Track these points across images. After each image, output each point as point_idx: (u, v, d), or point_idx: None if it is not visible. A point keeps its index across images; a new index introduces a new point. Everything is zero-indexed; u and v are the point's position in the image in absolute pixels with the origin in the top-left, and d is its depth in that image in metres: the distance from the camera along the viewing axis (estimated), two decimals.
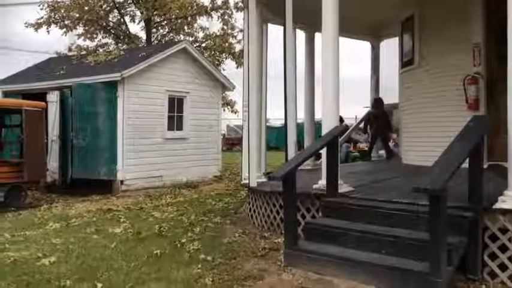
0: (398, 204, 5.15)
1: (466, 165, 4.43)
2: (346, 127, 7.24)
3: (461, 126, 4.83)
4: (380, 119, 10.65)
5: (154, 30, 19.59)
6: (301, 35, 9.50)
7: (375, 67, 11.10)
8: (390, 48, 11.44)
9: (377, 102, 10.92)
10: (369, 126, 11.65)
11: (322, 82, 6.08)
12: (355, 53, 15.14)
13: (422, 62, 8.74)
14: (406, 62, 9.39)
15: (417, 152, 8.76)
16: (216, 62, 18.86)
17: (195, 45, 17.20)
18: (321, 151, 5.98)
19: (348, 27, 7.19)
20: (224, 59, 19.51)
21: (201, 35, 20.06)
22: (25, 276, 4.84)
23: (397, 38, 10.42)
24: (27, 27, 18.23)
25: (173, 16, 18.91)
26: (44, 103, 10.75)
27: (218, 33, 19.32)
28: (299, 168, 5.24)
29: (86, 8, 17.51)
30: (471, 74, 7.52)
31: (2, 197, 9.24)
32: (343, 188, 5.79)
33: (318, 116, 9.98)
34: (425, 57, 8.64)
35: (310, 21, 8.81)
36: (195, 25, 20.08)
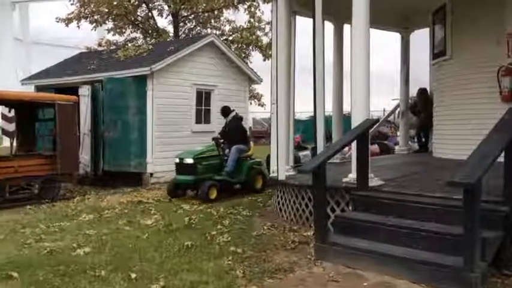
0: (431, 198, 5.09)
1: (501, 159, 4.34)
2: (377, 120, 7.13)
3: (495, 118, 4.73)
4: (427, 110, 10.41)
5: (181, 24, 19.71)
6: (328, 26, 9.42)
7: (404, 59, 10.90)
8: (420, 39, 11.25)
9: (422, 92, 10.75)
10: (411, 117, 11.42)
11: (351, 74, 6.04)
12: (382, 44, 14.93)
13: (454, 53, 8.55)
14: (437, 54, 9.21)
15: (449, 145, 8.60)
16: (243, 55, 18.87)
17: (222, 39, 17.24)
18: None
19: (377, 18, 7.08)
20: (251, 52, 19.51)
21: (227, 28, 20.12)
22: (61, 266, 4.98)
23: (427, 29, 10.25)
24: (58, 22, 18.64)
25: (200, 10, 18.99)
26: (75, 97, 10.96)
27: (245, 26, 19.31)
28: (328, 161, 5.23)
29: (115, 2, 17.75)
30: (505, 64, 7.32)
31: (37, 189, 9.50)
32: (374, 181, 5.75)
33: (346, 108, 9.94)
34: (458, 48, 8.45)
35: (339, 13, 8.72)
36: (222, 18, 20.13)
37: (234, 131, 10.03)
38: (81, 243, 5.95)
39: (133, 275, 4.62)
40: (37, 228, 6.87)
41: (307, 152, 11.64)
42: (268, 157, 11.13)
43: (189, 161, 9.30)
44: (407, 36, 10.88)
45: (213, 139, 9.90)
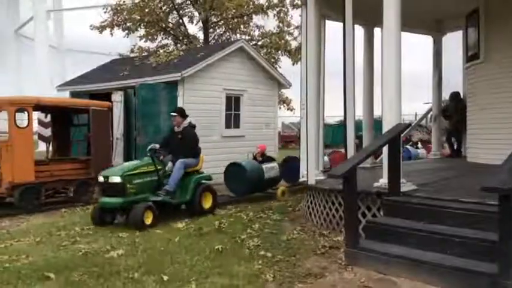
0: (465, 204, 5.00)
1: None
2: (409, 124, 7.03)
3: None
4: (459, 115, 10.21)
5: (211, 30, 19.90)
6: (358, 30, 9.37)
7: (437, 62, 10.74)
8: (452, 42, 11.06)
9: (455, 96, 10.56)
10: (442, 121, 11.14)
11: (383, 78, 6.00)
12: (413, 47, 14.69)
13: (488, 56, 8.38)
14: (471, 57, 9.04)
15: (483, 149, 8.42)
16: (272, 60, 18.91)
17: (251, 44, 17.34)
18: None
19: (408, 22, 7.02)
20: (280, 57, 19.52)
21: (256, 33, 20.21)
22: (95, 268, 5.09)
23: (460, 32, 10.08)
24: (92, 29, 19.10)
25: (230, 15, 19.16)
26: (109, 103, 11.22)
27: (274, 31, 19.36)
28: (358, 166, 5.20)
29: (147, 10, 18.07)
30: None
31: (72, 192, 9.75)
32: (406, 186, 5.68)
33: (376, 112, 9.84)
34: (491, 51, 8.29)
35: (369, 17, 8.67)
36: (251, 24, 20.24)
37: (189, 141, 8.26)
38: (115, 245, 6.07)
39: (165, 278, 4.68)
40: (72, 230, 7.03)
41: (274, 164, 10.38)
42: (285, 161, 10.80)
43: (116, 179, 7.36)
44: (439, 39, 10.71)
45: (150, 150, 7.86)
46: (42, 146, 14.78)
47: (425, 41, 11.01)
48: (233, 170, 9.97)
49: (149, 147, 7.96)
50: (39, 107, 10.07)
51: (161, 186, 7.79)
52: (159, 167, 7.83)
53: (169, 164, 8.03)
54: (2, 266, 5.21)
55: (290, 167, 10.42)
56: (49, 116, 11.91)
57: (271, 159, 10.60)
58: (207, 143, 12.48)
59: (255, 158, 10.39)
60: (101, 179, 7.63)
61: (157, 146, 7.96)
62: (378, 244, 4.98)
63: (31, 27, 32.86)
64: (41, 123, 13.35)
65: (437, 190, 5.81)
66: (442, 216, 4.95)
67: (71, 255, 5.65)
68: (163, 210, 7.68)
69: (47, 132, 12.99)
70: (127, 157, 12.11)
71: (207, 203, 8.33)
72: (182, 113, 8.49)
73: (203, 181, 8.39)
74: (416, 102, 46.33)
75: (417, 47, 16.52)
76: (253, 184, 9.73)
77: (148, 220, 7.18)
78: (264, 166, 10.06)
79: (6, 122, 9.03)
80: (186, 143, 8.21)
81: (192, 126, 8.51)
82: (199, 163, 8.44)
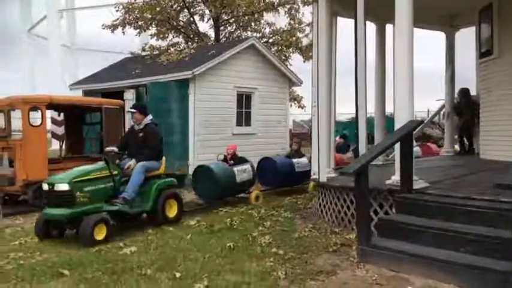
0: (477, 201, 4.97)
1: None
2: (421, 121, 6.95)
3: None
4: (470, 111, 10.10)
5: (222, 28, 19.91)
6: (370, 27, 9.32)
7: (449, 58, 10.64)
8: (465, 37, 10.95)
9: (465, 93, 10.43)
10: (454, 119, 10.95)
11: (395, 75, 5.97)
12: (425, 43, 14.54)
13: (501, 52, 8.29)
14: (484, 53, 8.95)
15: (496, 146, 8.34)
16: (283, 57, 18.88)
17: (262, 41, 17.32)
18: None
19: (421, 17, 6.96)
20: (291, 54, 19.48)
21: (267, 30, 20.18)
22: (109, 264, 5.15)
23: (473, 28, 9.97)
24: (104, 28, 19.22)
25: (240, 13, 19.15)
26: (121, 101, 11.30)
27: (285, 28, 19.32)
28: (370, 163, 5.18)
29: (158, 8, 18.14)
30: None
31: None
32: (418, 184, 5.65)
33: (388, 109, 9.78)
34: (505, 46, 8.19)
35: (381, 13, 8.62)
36: (262, 21, 20.21)
37: (151, 140, 7.26)
38: (128, 242, 6.13)
39: (177, 274, 4.72)
40: None
41: (247, 166, 9.38)
42: (260, 163, 10.13)
43: (63, 186, 6.29)
44: (452, 35, 10.61)
45: (106, 153, 7.03)
46: (55, 144, 14.92)
47: (438, 37, 10.88)
48: (201, 173, 9.05)
49: (107, 149, 7.18)
50: (53, 105, 10.18)
51: (118, 193, 6.79)
52: (114, 172, 6.80)
53: (132, 161, 7.01)
54: (16, 263, 5.29)
55: (266, 168, 10.11)
56: (62, 114, 12.02)
57: (244, 161, 9.56)
58: (217, 140, 12.56)
59: (225, 159, 9.61)
60: (45, 186, 6.50)
61: (115, 148, 7.08)
62: (390, 241, 4.96)
63: (44, 27, 33.16)
64: (54, 121, 13.45)
65: (449, 187, 5.77)
66: (454, 213, 4.92)
67: (84, 252, 5.71)
68: (122, 220, 6.89)
69: (60, 130, 13.10)
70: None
71: (172, 212, 7.37)
72: (142, 109, 7.48)
73: (167, 187, 7.39)
74: (429, 99, 45.97)
75: (429, 42, 16.39)
76: (223, 188, 8.73)
77: (101, 235, 6.16)
78: (236, 169, 9.10)
79: (20, 121, 9.14)
80: (147, 143, 7.21)
81: (155, 124, 7.50)
82: (162, 166, 7.47)
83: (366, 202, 5.14)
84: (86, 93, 14.65)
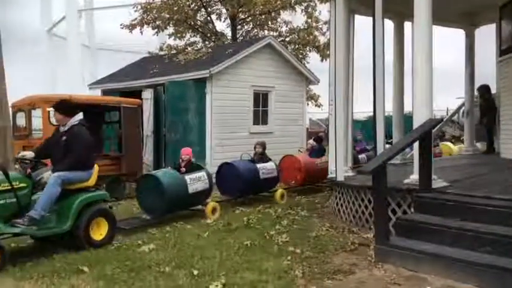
0: (497, 201, 4.91)
1: None
2: (440, 120, 6.86)
3: None
4: (492, 108, 9.93)
5: (239, 26, 19.98)
6: (388, 24, 9.23)
7: (469, 56, 10.49)
8: (485, 35, 10.78)
9: (489, 89, 10.22)
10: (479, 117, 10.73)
11: (413, 73, 5.91)
12: (443, 39, 14.33)
13: None
14: (504, 50, 8.80)
15: None
16: (300, 56, 18.85)
17: (279, 40, 17.31)
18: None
19: (440, 15, 6.89)
20: (308, 52, 19.44)
21: (284, 29, 20.17)
22: (127, 262, 5.21)
23: (493, 25, 9.82)
24: (122, 28, 19.44)
25: (257, 12, 19.18)
26: (139, 100, 11.40)
27: (302, 27, 19.29)
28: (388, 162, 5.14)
29: (176, 8, 18.28)
30: None
31: (103, 188, 9.93)
32: (437, 183, 5.59)
33: (407, 108, 9.67)
34: None
35: (399, 10, 8.54)
36: (279, 20, 20.21)
37: (75, 144, 5.84)
38: (146, 240, 6.19)
39: (195, 272, 4.76)
40: None
41: (202, 174, 7.90)
42: (219, 169, 8.92)
43: None
44: (471, 32, 10.46)
45: (20, 161, 5.80)
46: None
47: (456, 33, 10.71)
48: (145, 183, 7.68)
49: (18, 155, 5.95)
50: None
51: (24, 211, 5.40)
52: (20, 185, 5.43)
53: (47, 172, 5.77)
54: (37, 260, 5.38)
55: (226, 175, 8.99)
56: (81, 113, 12.17)
57: (198, 168, 8.17)
58: (235, 139, 12.60)
59: (178, 167, 8.06)
60: None
61: (28, 153, 5.81)
62: (409, 241, 4.93)
63: (63, 27, 33.63)
64: None
65: (469, 187, 5.70)
66: (474, 213, 4.87)
67: (103, 249, 5.78)
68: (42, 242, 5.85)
69: None
70: (157, 154, 12.31)
71: (99, 233, 5.97)
72: (63, 108, 6.13)
73: (93, 203, 5.95)
74: (448, 97, 45.39)
75: (447, 38, 16.20)
76: (171, 201, 7.32)
77: None
78: (188, 177, 7.68)
79: (41, 120, 9.29)
80: (70, 149, 5.81)
81: (83, 126, 6.09)
82: (91, 177, 6.03)
83: (384, 201, 5.11)
84: (105, 92, 14.81)
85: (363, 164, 9.59)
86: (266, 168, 9.26)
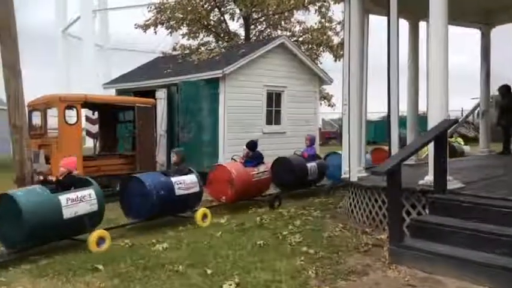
0: None
1: None
2: (456, 120, 6.78)
3: None
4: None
5: (252, 26, 19.97)
6: (402, 24, 9.16)
7: (485, 56, 10.36)
8: (501, 34, 10.65)
9: (507, 89, 10.09)
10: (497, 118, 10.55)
11: (428, 73, 5.87)
12: (458, 39, 14.16)
13: None
14: None
15: None
16: (314, 56, 18.78)
17: (292, 40, 17.27)
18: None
19: (456, 14, 6.82)
20: (322, 52, 19.37)
21: (298, 29, 20.12)
22: (141, 260, 5.26)
23: (510, 24, 9.71)
24: (136, 28, 19.55)
25: (271, 12, 19.16)
26: (153, 100, 11.48)
27: (316, 27, 19.22)
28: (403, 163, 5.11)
29: (189, 8, 18.34)
30: None
31: (118, 186, 10.03)
32: (453, 184, 5.55)
33: (421, 108, 9.59)
34: None
35: (414, 10, 8.46)
36: (292, 20, 20.17)
37: None
38: (160, 239, 6.23)
39: (208, 271, 4.78)
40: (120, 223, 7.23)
41: (88, 193, 6.14)
42: (123, 186, 7.45)
43: None
44: (488, 32, 10.33)
45: None
46: (89, 142, 15.27)
47: (471, 32, 10.58)
48: (4, 209, 5.60)
49: None
50: (87, 104, 10.42)
51: None
52: None
53: None
54: (52, 258, 5.44)
55: (131, 193, 7.18)
56: (96, 113, 12.30)
57: (85, 183, 6.36)
58: (247, 139, 12.57)
59: (57, 181, 6.28)
60: None
61: None
62: (423, 242, 4.89)
63: (78, 27, 33.98)
64: (88, 119, 13.78)
65: (484, 188, 5.64)
66: (489, 215, 4.81)
67: (118, 248, 5.84)
68: None
69: (95, 128, 13.41)
70: (170, 153, 12.35)
71: None
72: None
73: None
74: (463, 98, 44.85)
75: (462, 38, 16.00)
76: (33, 230, 5.45)
77: None
78: (63, 197, 5.82)
79: (56, 119, 9.40)
80: None
81: None
82: None
83: (398, 202, 5.07)
84: (119, 92, 14.93)
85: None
86: (185, 183, 7.36)
